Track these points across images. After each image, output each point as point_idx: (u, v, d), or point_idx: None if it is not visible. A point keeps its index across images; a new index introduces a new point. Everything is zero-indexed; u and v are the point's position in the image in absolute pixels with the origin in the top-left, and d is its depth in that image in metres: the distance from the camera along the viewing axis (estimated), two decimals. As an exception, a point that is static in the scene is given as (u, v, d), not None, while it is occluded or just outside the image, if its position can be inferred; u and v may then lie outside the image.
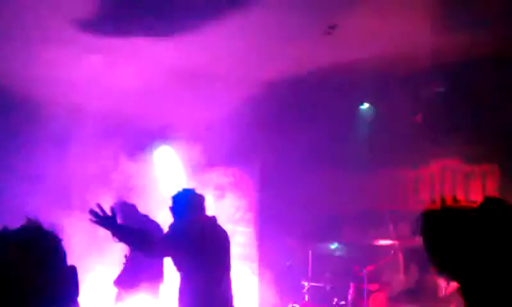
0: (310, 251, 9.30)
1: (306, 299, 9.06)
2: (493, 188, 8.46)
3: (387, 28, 7.45)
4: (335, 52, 8.22)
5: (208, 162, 9.35)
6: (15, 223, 2.21)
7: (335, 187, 9.49)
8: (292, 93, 9.19)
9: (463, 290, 2.56)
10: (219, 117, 9.05)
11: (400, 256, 9.15)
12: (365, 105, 9.50)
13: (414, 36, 7.64)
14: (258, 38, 7.59)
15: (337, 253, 9.24)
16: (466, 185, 8.90)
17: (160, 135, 9.44)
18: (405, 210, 9.20)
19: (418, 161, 9.19)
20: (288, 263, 9.51)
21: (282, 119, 9.47)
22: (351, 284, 8.80)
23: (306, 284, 9.13)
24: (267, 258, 9.82)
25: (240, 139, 9.25)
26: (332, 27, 7.40)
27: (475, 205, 2.55)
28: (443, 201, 2.63)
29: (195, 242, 5.31)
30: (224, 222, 5.75)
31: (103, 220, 4.92)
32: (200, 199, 5.71)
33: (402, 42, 7.85)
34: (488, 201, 2.53)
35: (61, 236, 2.16)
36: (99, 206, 4.93)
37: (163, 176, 9.49)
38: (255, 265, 9.82)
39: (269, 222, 9.68)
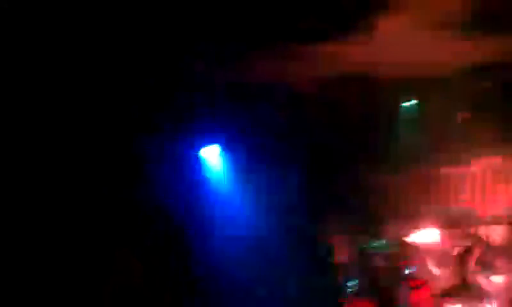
0: (354, 247, 9.43)
1: (350, 293, 9.20)
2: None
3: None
4: (379, 51, 8.37)
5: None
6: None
7: (379, 185, 9.58)
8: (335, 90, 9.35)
9: None
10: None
11: (443, 254, 9.17)
12: (409, 103, 9.54)
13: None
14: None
15: (381, 250, 9.34)
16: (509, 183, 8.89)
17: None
18: (448, 208, 9.22)
19: (461, 159, 9.19)
20: None
21: (326, 119, 9.62)
22: (396, 280, 8.91)
23: (350, 280, 9.27)
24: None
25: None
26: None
27: None
28: None
29: None
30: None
31: None
32: None
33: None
34: None
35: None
36: None
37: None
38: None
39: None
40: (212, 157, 9.82)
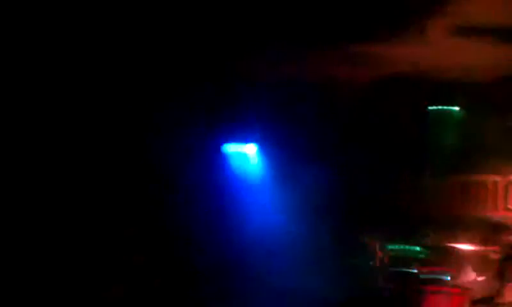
0: (391, 251, 9.36)
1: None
2: None
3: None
4: (425, 55, 8.31)
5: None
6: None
7: (421, 191, 9.49)
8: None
9: None
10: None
11: (481, 262, 9.10)
12: (454, 108, 9.45)
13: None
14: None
15: (419, 255, 9.28)
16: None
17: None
18: (487, 216, 9.15)
19: (502, 167, 9.12)
20: None
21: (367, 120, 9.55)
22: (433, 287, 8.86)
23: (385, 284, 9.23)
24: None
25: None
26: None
27: None
28: None
29: None
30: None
31: None
32: None
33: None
34: None
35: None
36: None
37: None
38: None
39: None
40: (250, 155, 9.79)
